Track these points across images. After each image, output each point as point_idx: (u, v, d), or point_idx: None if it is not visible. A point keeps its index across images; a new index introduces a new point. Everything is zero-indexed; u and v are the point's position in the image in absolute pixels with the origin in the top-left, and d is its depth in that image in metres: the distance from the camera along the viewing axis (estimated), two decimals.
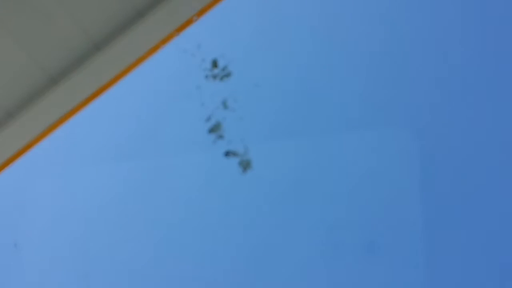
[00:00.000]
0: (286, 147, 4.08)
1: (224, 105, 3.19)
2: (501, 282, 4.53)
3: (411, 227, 4.56)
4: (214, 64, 3.10)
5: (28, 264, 3.93)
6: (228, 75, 3.15)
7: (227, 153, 3.16)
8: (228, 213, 3.83)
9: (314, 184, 4.79)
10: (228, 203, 3.61)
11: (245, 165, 3.21)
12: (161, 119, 3.94)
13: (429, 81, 4.66)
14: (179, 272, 3.98)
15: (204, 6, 2.68)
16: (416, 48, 4.11)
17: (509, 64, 4.48)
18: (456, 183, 4.85)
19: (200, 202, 3.82)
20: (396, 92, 4.58)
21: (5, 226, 4.02)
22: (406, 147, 4.39)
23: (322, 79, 4.14)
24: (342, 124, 3.84)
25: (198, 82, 3.35)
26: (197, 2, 2.68)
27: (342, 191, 4.78)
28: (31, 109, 2.62)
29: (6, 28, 2.48)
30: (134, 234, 3.84)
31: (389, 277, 4.72)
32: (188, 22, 2.70)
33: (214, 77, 3.11)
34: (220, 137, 3.16)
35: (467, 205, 4.77)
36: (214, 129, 3.15)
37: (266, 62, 3.77)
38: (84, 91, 2.67)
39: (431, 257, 4.54)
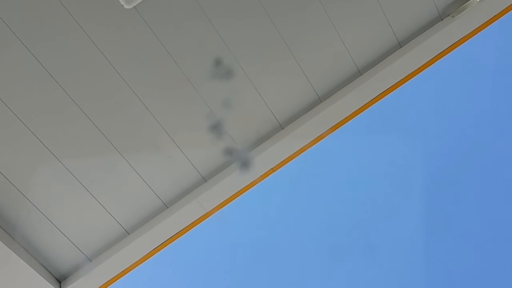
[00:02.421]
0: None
1: (226, 104, 3.20)
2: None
3: (412, 231, 4.55)
4: (217, 62, 3.11)
5: None
6: (230, 74, 3.16)
7: (226, 151, 3.17)
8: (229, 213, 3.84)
9: (315, 186, 4.78)
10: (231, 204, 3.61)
11: (244, 165, 3.22)
12: None
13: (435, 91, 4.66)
14: None
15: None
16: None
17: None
18: (458, 190, 4.83)
19: None
20: (404, 100, 4.58)
21: None
22: (412, 154, 4.39)
23: None
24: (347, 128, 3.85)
25: None
26: None
27: (344, 192, 4.78)
28: (147, 230, 3.34)
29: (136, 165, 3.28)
30: None
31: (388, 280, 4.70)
32: None
33: (216, 76, 3.12)
34: (220, 135, 3.17)
35: (468, 211, 4.76)
36: (215, 127, 3.17)
37: None
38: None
39: (430, 262, 4.53)
